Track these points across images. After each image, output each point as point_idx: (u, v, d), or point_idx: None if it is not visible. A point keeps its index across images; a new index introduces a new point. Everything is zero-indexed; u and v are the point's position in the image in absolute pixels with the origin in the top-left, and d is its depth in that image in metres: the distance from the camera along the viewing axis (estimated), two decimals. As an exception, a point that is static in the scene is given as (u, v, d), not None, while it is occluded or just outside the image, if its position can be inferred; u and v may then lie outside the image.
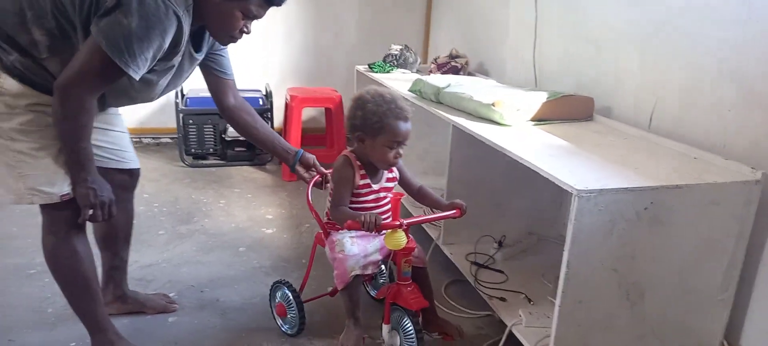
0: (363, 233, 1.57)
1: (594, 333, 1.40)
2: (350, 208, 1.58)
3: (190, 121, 3.33)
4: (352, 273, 1.55)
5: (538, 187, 2.15)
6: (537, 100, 1.91)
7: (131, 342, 1.62)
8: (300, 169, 1.76)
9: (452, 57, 2.98)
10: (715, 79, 1.62)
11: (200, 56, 1.55)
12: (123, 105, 1.60)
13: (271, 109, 3.45)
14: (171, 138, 3.80)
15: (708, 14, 1.65)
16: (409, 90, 2.40)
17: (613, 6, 2.06)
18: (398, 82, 2.70)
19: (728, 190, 1.37)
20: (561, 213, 2.26)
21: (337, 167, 1.60)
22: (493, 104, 1.86)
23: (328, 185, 1.72)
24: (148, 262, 2.16)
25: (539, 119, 1.92)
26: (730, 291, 1.47)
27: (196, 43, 1.50)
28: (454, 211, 1.57)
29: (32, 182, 1.39)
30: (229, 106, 1.71)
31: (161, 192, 2.92)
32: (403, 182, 1.68)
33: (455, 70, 2.91)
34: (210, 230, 2.49)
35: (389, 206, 1.66)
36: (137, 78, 1.31)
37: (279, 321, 1.80)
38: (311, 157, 1.77)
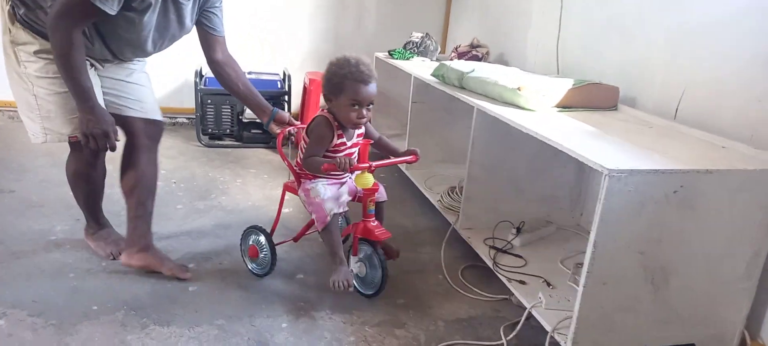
0: (333, 180, 1.79)
1: (616, 315, 1.40)
2: (330, 157, 1.72)
3: (209, 101, 3.34)
4: (331, 213, 1.69)
5: (557, 175, 2.17)
6: (562, 86, 1.91)
7: (114, 230, 2.00)
8: (273, 126, 1.91)
9: (473, 46, 2.98)
10: (745, 69, 1.62)
11: (186, 5, 1.67)
12: (125, 51, 1.73)
13: (289, 93, 3.46)
14: (187, 118, 3.81)
15: (742, 4, 1.64)
16: (432, 75, 2.41)
17: (641, -4, 2.05)
18: (419, 69, 2.71)
19: (757, 178, 1.36)
20: (579, 203, 2.26)
21: (317, 124, 1.73)
22: (518, 89, 1.86)
23: (293, 137, 1.92)
24: (168, 233, 2.18)
25: (564, 106, 1.92)
26: (753, 280, 1.47)
27: None
28: (411, 156, 1.80)
29: (49, 122, 1.66)
30: (215, 60, 1.87)
31: (179, 169, 2.94)
32: (366, 133, 1.85)
33: (476, 59, 2.91)
34: (227, 207, 2.51)
35: (357, 156, 1.84)
36: (110, 12, 1.48)
37: (250, 264, 1.94)
38: (286, 115, 1.91)
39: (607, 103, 1.99)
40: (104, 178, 1.91)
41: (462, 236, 2.09)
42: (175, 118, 3.83)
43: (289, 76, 3.51)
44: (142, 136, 1.82)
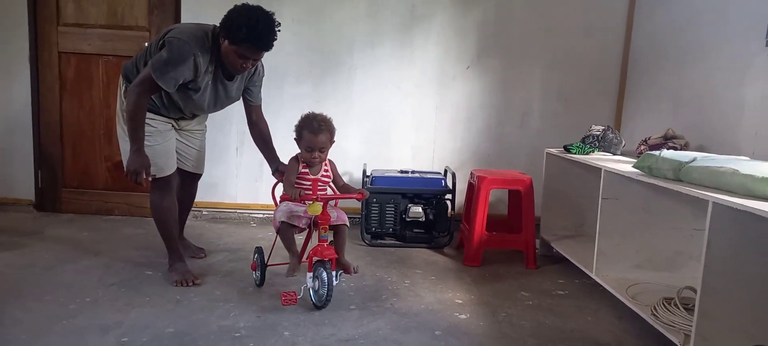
0: (296, 203, 2.35)
1: None
2: (297, 184, 2.40)
3: (374, 200, 3.33)
4: (279, 220, 2.36)
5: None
6: (834, 175, 1.53)
7: (187, 266, 2.59)
8: (278, 174, 2.60)
9: (667, 138, 2.65)
10: None
11: (231, 84, 2.46)
12: (189, 111, 2.52)
13: (453, 192, 3.34)
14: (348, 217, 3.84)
15: None
16: (635, 167, 2.13)
17: None
18: (609, 162, 2.44)
19: None
20: None
21: (290, 161, 2.47)
22: (773, 178, 1.52)
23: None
24: (345, 336, 2.05)
25: (838, 200, 1.53)
26: None
27: (230, 74, 2.42)
28: (359, 194, 2.41)
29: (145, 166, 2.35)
30: (251, 120, 2.69)
31: (346, 268, 2.88)
32: (333, 179, 2.51)
33: (674, 152, 2.56)
34: (401, 310, 2.35)
35: (326, 188, 2.48)
36: (168, 89, 2.25)
37: (254, 274, 2.54)
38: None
39: None
40: (176, 212, 2.59)
41: (699, 360, 1.69)
42: (338, 217, 3.88)
43: (454, 175, 3.41)
44: (188, 181, 2.77)
